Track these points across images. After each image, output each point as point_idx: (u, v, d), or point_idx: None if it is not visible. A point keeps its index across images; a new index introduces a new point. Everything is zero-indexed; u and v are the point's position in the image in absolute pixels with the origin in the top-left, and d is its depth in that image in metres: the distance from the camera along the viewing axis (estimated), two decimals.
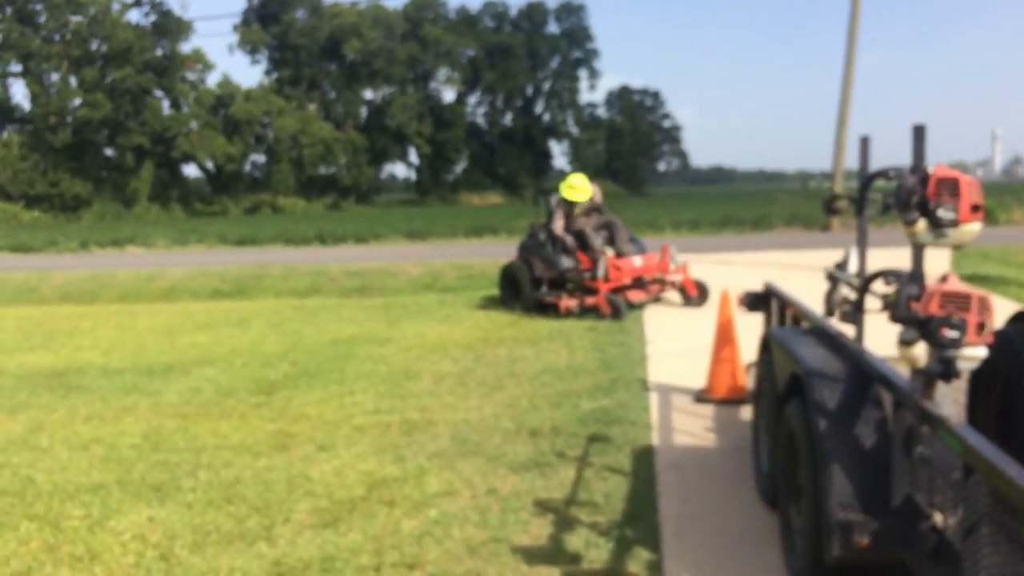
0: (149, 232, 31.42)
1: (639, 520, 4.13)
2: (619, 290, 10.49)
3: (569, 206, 10.92)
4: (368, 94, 67.48)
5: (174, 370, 8.25)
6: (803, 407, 3.32)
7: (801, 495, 3.34)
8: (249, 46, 64.74)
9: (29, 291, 16.96)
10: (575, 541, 3.91)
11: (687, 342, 8.24)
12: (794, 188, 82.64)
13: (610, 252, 10.63)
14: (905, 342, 2.46)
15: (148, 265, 19.90)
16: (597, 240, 10.68)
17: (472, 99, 72.58)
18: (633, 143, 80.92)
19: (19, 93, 72.88)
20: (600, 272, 10.26)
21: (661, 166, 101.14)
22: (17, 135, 55.19)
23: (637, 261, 10.63)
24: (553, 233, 10.86)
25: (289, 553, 3.89)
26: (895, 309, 2.50)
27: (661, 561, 3.68)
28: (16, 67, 55.80)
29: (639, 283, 10.74)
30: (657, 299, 10.90)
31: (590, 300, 10.30)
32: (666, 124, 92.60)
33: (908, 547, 2.75)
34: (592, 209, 11.09)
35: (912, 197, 2.59)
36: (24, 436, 6.06)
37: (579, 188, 10.91)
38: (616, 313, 9.97)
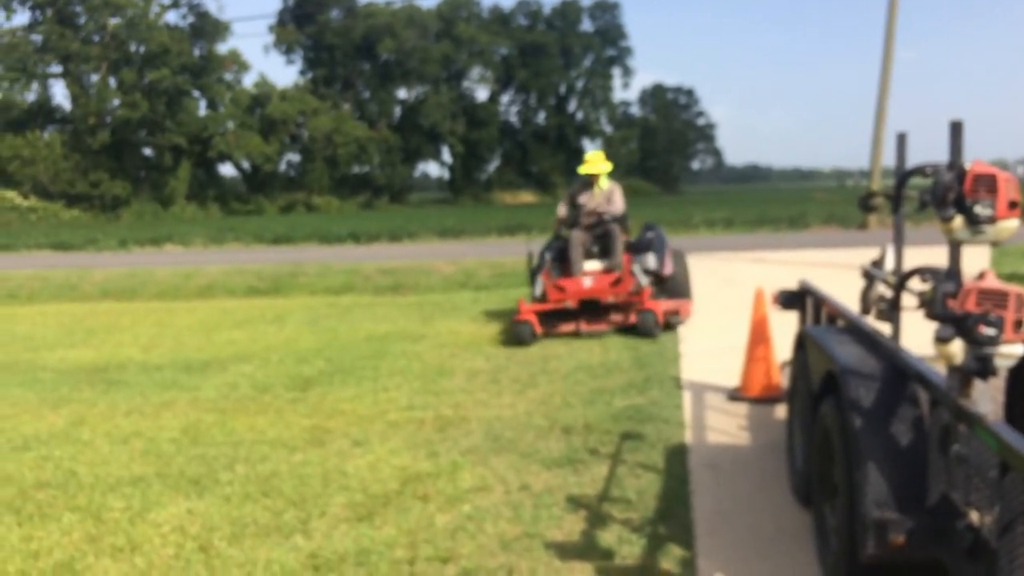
0: (186, 230, 31.81)
1: (672, 517, 4.13)
2: (557, 316, 9.01)
3: (583, 189, 9.75)
4: (402, 93, 67.75)
5: (212, 366, 8.36)
6: (838, 405, 3.30)
7: (836, 493, 3.33)
8: (284, 46, 65.35)
9: (70, 288, 17.26)
10: (608, 537, 3.92)
11: (721, 341, 8.20)
12: (830, 186, 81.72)
13: (596, 265, 9.31)
14: (941, 339, 2.45)
15: (186, 263, 20.16)
16: (578, 249, 9.30)
17: (505, 98, 72.62)
18: (667, 141, 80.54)
19: (60, 94, 73.95)
20: (536, 291, 8.98)
21: (695, 164, 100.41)
22: (58, 135, 56.15)
23: (586, 281, 8.96)
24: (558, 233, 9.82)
25: (325, 546, 3.94)
26: (931, 306, 2.49)
27: (694, 558, 3.68)
28: (56, 68, 56.73)
29: (591, 310, 9.02)
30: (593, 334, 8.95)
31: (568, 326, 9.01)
32: (700, 122, 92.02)
33: (943, 545, 2.74)
34: (598, 211, 9.60)
35: (948, 194, 2.57)
36: (66, 429, 6.19)
37: (590, 160, 9.76)
38: (520, 338, 8.53)
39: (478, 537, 3.99)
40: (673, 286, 9.51)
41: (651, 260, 9.22)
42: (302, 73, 66.22)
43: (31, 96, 57.04)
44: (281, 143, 59.88)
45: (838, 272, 10.96)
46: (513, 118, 72.90)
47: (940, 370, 2.89)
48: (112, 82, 56.37)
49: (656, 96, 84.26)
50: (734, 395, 6.29)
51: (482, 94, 70.64)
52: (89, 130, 54.92)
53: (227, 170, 62.68)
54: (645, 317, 8.59)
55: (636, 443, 5.32)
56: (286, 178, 61.48)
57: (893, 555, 2.83)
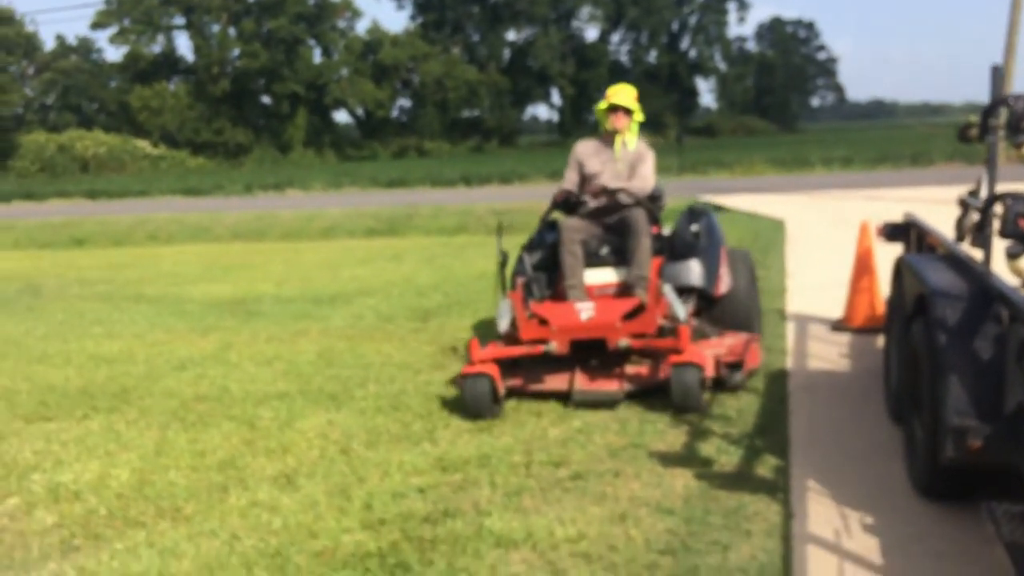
0: (305, 176, 33.06)
1: (769, 433, 4.42)
2: (536, 365, 5.20)
3: (597, 149, 5.94)
4: (511, 35, 67.68)
5: (338, 299, 8.99)
6: (926, 325, 3.52)
7: (922, 407, 3.56)
8: None
9: (204, 230, 18.40)
10: (707, 448, 4.25)
11: (829, 275, 8.30)
12: (960, 121, 77.64)
13: (605, 277, 5.63)
14: (1011, 255, 2.65)
15: (307, 206, 21.13)
16: (576, 250, 5.59)
17: (615, 37, 71.59)
18: (785, 78, 77.97)
19: (183, 45, 76.89)
20: (501, 324, 5.30)
21: (815, 101, 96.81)
22: (183, 85, 58.65)
23: (584, 311, 5.13)
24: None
25: (450, 451, 4.41)
26: (1003, 225, 2.68)
27: (788, 467, 3.97)
28: (180, 20, 59.02)
29: (592, 351, 5.10)
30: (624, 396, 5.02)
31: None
32: (821, 56, 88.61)
33: (1017, 451, 2.96)
34: (613, 187, 5.77)
35: (1022, 122, 2.74)
36: (216, 353, 6.87)
37: (616, 94, 5.85)
38: (473, 405, 4.83)
39: (588, 447, 4.38)
40: (730, 310, 5.66)
41: (695, 272, 5.48)
42: (412, 18, 66.88)
43: (157, 48, 59.72)
44: (393, 89, 60.92)
45: (953, 208, 10.77)
46: (623, 57, 71.87)
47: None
48: (232, 32, 58.29)
49: (774, 30, 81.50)
50: (837, 325, 6.46)
51: (592, 33, 69.95)
52: (211, 80, 57.11)
53: (341, 116, 64.25)
54: (683, 375, 4.60)
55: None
56: (398, 123, 62.62)
57: (971, 459, 3.06)
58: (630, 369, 5.13)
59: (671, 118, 67.38)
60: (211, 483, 4.14)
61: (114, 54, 78.06)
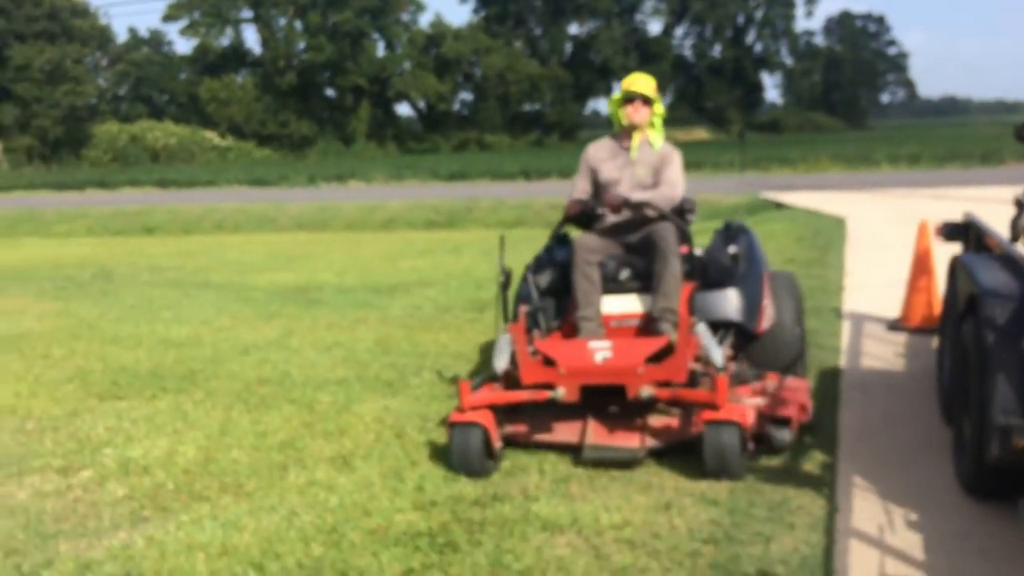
0: (367, 168, 33.50)
1: (818, 431, 4.43)
2: (541, 413, 4.35)
3: (613, 152, 4.95)
4: (573, 29, 67.51)
5: (397, 289, 9.18)
6: (976, 324, 3.52)
7: (971, 406, 3.56)
8: None
9: (269, 220, 18.84)
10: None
11: (888, 274, 8.21)
12: (1017, 121, 75.28)
13: (626, 306, 4.66)
14: None
15: (369, 198, 21.45)
16: (591, 272, 4.63)
17: (679, 31, 70.91)
18: (853, 73, 76.42)
19: (251, 38, 78.42)
20: (498, 363, 4.38)
21: (885, 97, 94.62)
22: (250, 78, 59.79)
23: (599, 351, 4.18)
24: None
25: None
26: None
27: (835, 463, 4.00)
28: (248, 13, 60.13)
29: (608, 398, 4.20)
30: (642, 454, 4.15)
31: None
32: (891, 51, 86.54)
33: None
34: (631, 198, 4.75)
35: None
36: (278, 339, 7.09)
37: (634, 83, 4.87)
38: (463, 461, 4.04)
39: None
40: (773, 348, 4.79)
41: (732, 303, 4.64)
42: (475, 11, 67.09)
43: (225, 41, 60.95)
44: (455, 82, 61.24)
45: None
46: (687, 52, 71.14)
47: None
48: (298, 25, 59.21)
49: (843, 24, 79.91)
50: (894, 325, 6.42)
51: (655, 27, 69.55)
52: (278, 72, 58.10)
53: (404, 110, 64.82)
54: (719, 436, 3.80)
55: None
56: (459, 117, 62.94)
57: (1016, 458, 3.07)
58: (655, 421, 4.21)
59: (735, 113, 66.58)
60: (272, 462, 4.31)
61: (184, 46, 79.71)
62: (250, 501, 3.85)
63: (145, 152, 51.08)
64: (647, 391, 3.98)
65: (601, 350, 4.17)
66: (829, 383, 5.21)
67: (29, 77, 51.73)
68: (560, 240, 5.10)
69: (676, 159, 4.87)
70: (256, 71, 60.57)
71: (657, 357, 4.12)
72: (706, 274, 4.73)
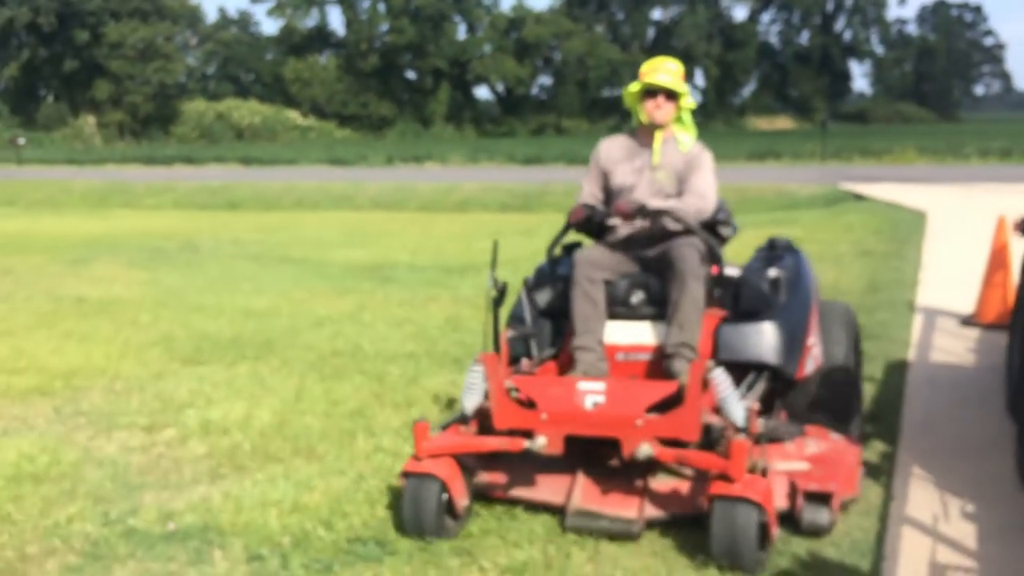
0: (444, 150, 33.85)
1: (880, 420, 4.43)
2: (517, 463, 3.57)
3: (632, 151, 4.10)
4: (656, 14, 66.83)
5: (469, 270, 9.34)
6: None
7: None
8: None
9: (347, 199, 19.25)
10: None
11: (967, 269, 8.04)
12: None
13: (636, 334, 3.84)
14: None
15: (444, 179, 21.72)
16: (595, 292, 3.83)
17: (765, 17, 69.66)
18: (946, 63, 74.00)
19: (335, 20, 79.58)
20: (467, 403, 3.54)
21: (979, 89, 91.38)
22: (333, 59, 60.81)
23: (591, 394, 3.32)
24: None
25: None
26: None
27: (895, 453, 4.00)
28: None
29: (602, 450, 3.43)
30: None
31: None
32: (987, 42, 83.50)
33: None
34: (650, 206, 3.85)
35: None
36: (352, 313, 7.32)
37: (654, 71, 3.96)
38: (414, 521, 3.31)
39: None
40: (819, 397, 3.95)
41: (767, 341, 3.71)
42: None
43: (310, 22, 62.06)
44: (534, 66, 61.27)
45: None
46: (773, 38, 69.84)
47: None
48: (381, 8, 59.92)
49: (937, 13, 77.38)
50: (968, 320, 6.31)
51: (740, 13, 68.66)
52: (360, 54, 58.97)
53: (482, 93, 65.15)
54: (730, 517, 3.02)
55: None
56: (537, 101, 62.97)
57: None
58: (661, 484, 3.43)
59: (820, 102, 65.14)
60: (342, 429, 4.51)
61: (271, 27, 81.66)
62: (321, 464, 4.04)
63: (230, 130, 52.49)
64: (646, 450, 3.15)
65: (593, 393, 3.31)
66: (895, 376, 5.18)
67: (122, 55, 53.55)
68: (566, 250, 4.30)
69: (707, 163, 4.01)
70: (339, 52, 61.58)
71: (665, 406, 3.26)
72: (738, 302, 3.80)
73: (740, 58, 65.05)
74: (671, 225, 3.86)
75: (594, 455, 3.46)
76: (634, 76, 4.06)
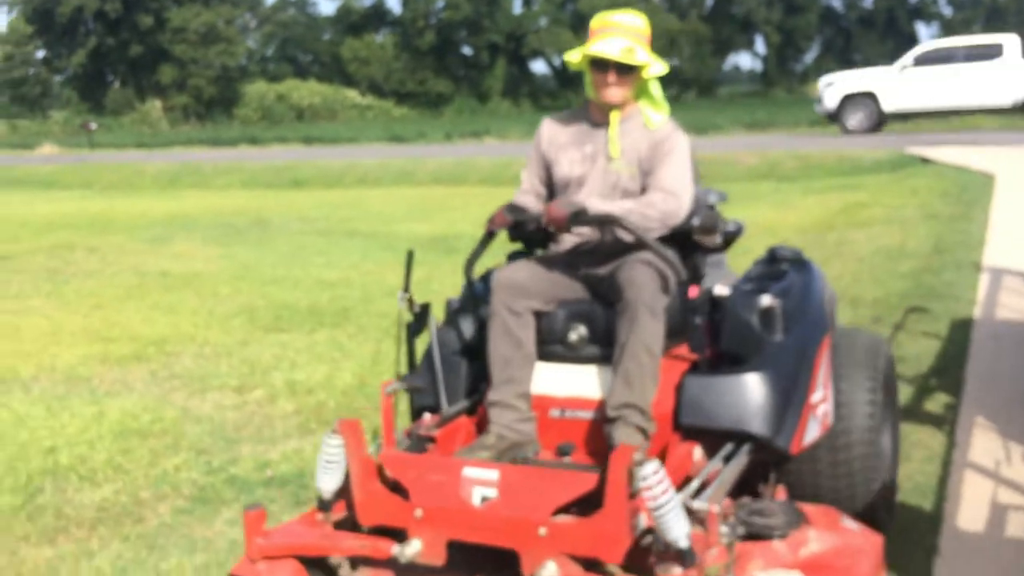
0: (502, 125, 33.96)
1: (945, 375, 4.52)
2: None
3: (581, 134, 3.00)
4: None
5: None
6: None
7: None
8: None
9: (407, 175, 19.53)
10: None
11: None
12: None
13: (581, 387, 2.75)
14: None
15: (503, 154, 21.84)
16: (516, 324, 2.76)
17: None
18: (1019, 24, 71.47)
19: None
20: (324, 485, 2.39)
21: None
22: (390, 37, 61.21)
23: (480, 485, 2.25)
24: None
25: None
26: None
27: (959, 405, 4.09)
28: None
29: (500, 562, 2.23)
30: None
31: None
32: None
33: None
34: (600, 210, 2.77)
35: None
36: (420, 282, 7.50)
37: (606, 26, 2.94)
38: None
39: None
40: (828, 470, 2.81)
41: (748, 400, 2.57)
42: None
43: (367, 1, 62.45)
44: None
45: None
46: (836, 2, 68.16)
47: None
48: None
49: None
50: None
51: None
52: (417, 32, 59.20)
53: (539, 67, 65.02)
54: None
55: (921, 316, 5.63)
56: None
57: None
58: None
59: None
60: None
61: (328, 7, 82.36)
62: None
63: (291, 110, 53.26)
64: (552, 572, 2.10)
65: (482, 484, 2.27)
66: (960, 333, 5.23)
67: (186, 39, 54.62)
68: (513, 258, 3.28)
69: (680, 148, 2.90)
70: (396, 30, 61.90)
71: (578, 508, 2.20)
72: (715, 341, 2.73)
73: (802, 23, 63.65)
74: (623, 236, 2.78)
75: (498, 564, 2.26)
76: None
